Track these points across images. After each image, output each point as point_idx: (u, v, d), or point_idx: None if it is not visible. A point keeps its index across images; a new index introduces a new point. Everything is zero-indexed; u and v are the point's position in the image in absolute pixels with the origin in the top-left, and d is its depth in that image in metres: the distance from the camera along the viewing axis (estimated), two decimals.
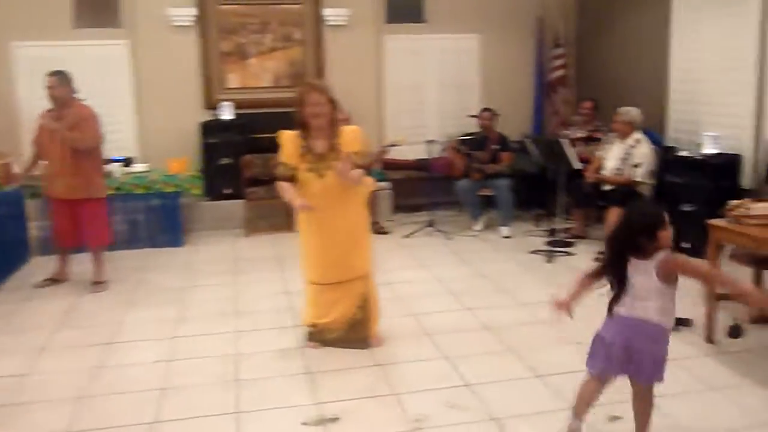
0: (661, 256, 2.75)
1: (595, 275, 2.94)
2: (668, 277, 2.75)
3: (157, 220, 6.77)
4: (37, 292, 5.43)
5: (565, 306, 2.92)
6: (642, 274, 2.76)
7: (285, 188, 3.88)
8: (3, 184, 5.91)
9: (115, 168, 6.79)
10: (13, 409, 3.48)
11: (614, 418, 3.21)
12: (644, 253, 2.76)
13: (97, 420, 3.32)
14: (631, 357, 2.79)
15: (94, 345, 4.29)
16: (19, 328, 4.67)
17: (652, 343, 2.81)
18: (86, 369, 3.92)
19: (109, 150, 7.40)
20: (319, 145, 3.93)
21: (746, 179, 5.88)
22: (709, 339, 4.09)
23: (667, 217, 2.79)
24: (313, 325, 4.17)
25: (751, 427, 3.15)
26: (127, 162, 7.07)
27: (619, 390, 2.99)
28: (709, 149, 5.87)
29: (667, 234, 2.75)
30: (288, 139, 3.94)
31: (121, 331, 4.54)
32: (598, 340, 2.90)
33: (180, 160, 7.06)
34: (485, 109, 7.31)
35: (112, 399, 3.56)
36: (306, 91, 3.89)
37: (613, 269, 2.83)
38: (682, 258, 2.91)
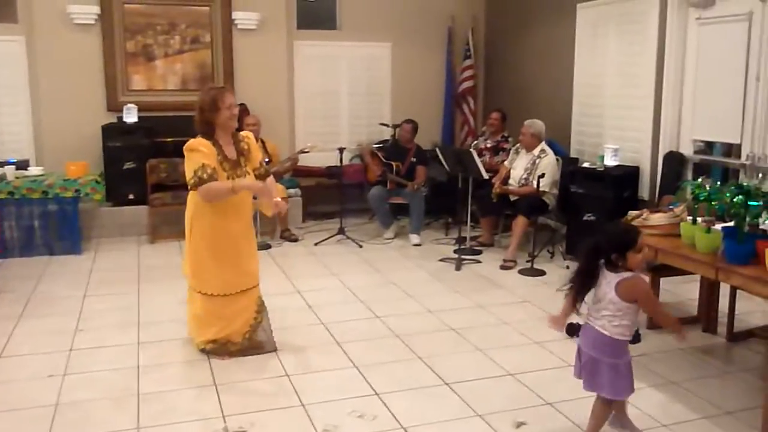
0: (627, 275, 2.88)
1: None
2: (625, 296, 2.88)
3: (54, 226, 6.43)
4: None
5: (559, 323, 3.09)
6: (606, 284, 2.91)
7: (210, 185, 3.67)
8: None
9: (9, 171, 6.42)
10: None
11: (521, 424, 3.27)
12: (614, 267, 2.91)
13: None
14: (595, 368, 2.95)
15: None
16: None
17: (608, 355, 2.94)
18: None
19: (4, 152, 7.05)
20: (229, 150, 3.85)
21: (644, 190, 6.16)
22: None
23: (641, 240, 2.92)
24: (213, 341, 4.02)
25: (648, 430, 3.26)
26: (21, 165, 6.71)
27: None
28: (609, 161, 6.11)
29: (637, 257, 2.88)
30: (204, 144, 3.76)
31: (11, 344, 4.27)
32: (578, 349, 3.08)
33: (80, 163, 6.74)
34: (408, 121, 7.27)
35: (1, 417, 3.34)
36: (221, 93, 3.78)
37: (584, 276, 2.96)
38: (645, 286, 3.01)
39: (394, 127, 7.57)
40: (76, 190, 6.44)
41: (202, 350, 4.05)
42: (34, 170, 6.70)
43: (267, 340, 4.13)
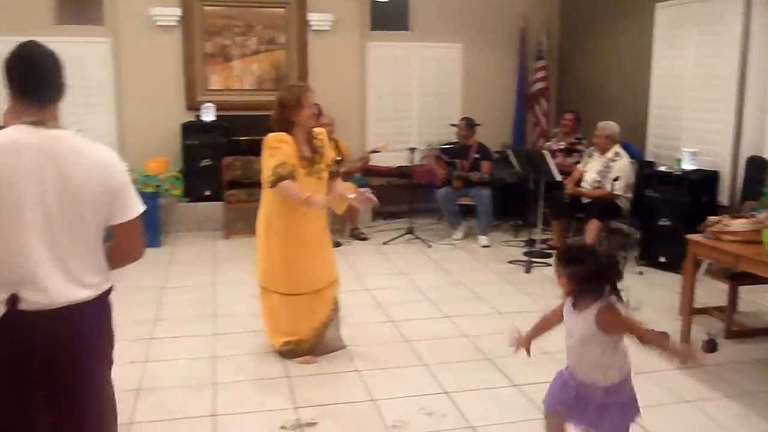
0: (601, 304, 2.54)
1: (557, 315, 2.78)
2: (608, 327, 2.54)
3: None
4: None
5: (525, 343, 2.81)
6: (581, 322, 2.57)
7: (289, 186, 3.67)
8: None
9: None
10: None
11: None
12: (589, 298, 2.57)
13: None
14: (602, 416, 2.61)
15: None
16: None
17: (613, 399, 2.62)
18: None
19: None
20: (305, 148, 3.91)
21: (724, 195, 5.98)
22: None
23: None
24: (287, 343, 4.02)
25: None
26: None
27: None
28: (687, 165, 5.95)
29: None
30: (283, 139, 3.75)
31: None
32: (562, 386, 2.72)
33: (160, 160, 7.01)
34: (463, 119, 7.35)
35: None
36: (304, 92, 3.82)
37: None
38: (618, 311, 2.58)
39: (455, 126, 7.59)
40: (157, 186, 6.70)
41: (278, 351, 4.06)
42: None
43: (336, 337, 4.17)
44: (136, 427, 3.25)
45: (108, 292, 2.12)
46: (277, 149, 3.73)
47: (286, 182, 3.67)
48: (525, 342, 2.80)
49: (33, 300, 1.91)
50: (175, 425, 3.28)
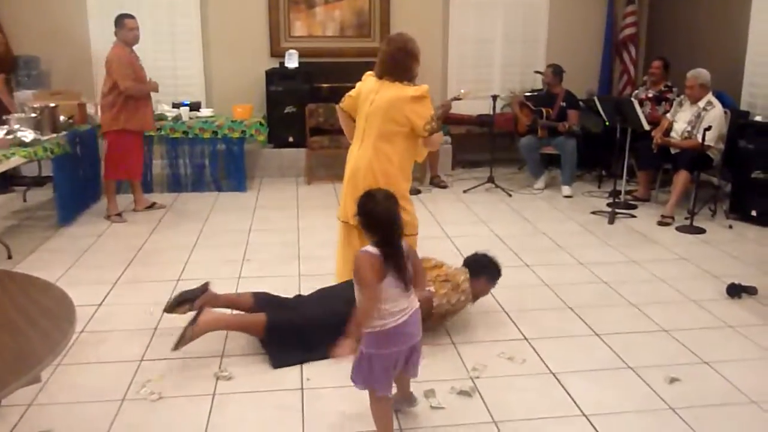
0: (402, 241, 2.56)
1: None
2: (410, 260, 2.56)
3: (222, 164, 6.93)
4: (110, 228, 5.67)
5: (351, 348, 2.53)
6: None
7: (437, 136, 3.75)
8: (78, 124, 6.12)
9: (183, 112, 6.94)
10: (91, 337, 3.68)
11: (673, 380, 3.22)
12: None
13: (169, 351, 3.47)
14: (409, 359, 2.63)
15: (164, 281, 4.47)
16: (92, 262, 4.89)
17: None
18: (156, 303, 4.10)
19: (179, 94, 7.61)
20: None
21: None
22: None
23: None
24: None
25: None
26: (194, 106, 7.21)
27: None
28: None
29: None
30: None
31: (188, 269, 4.71)
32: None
33: (245, 106, 7.16)
34: (550, 65, 7.17)
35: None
36: (418, 49, 3.79)
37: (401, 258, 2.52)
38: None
39: (541, 73, 7.42)
40: (242, 131, 6.87)
41: None
42: (205, 112, 7.19)
43: None
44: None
45: None
46: (429, 99, 3.74)
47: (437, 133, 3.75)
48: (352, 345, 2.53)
49: None
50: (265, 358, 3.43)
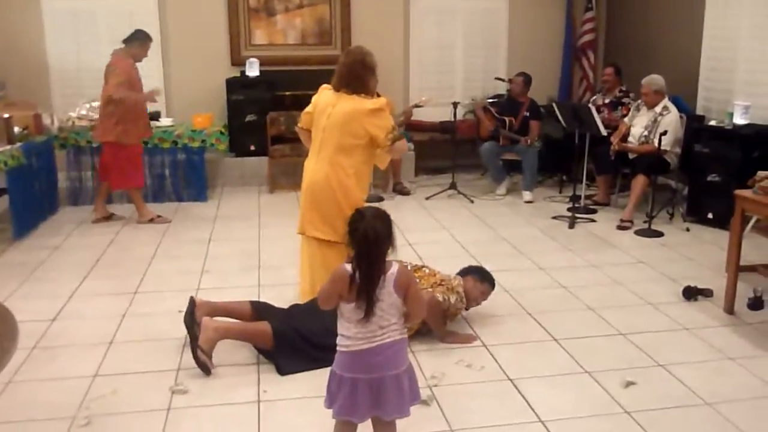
0: (395, 267, 2.39)
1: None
2: (403, 289, 2.39)
3: (182, 174, 6.86)
4: (66, 240, 5.57)
5: None
6: (385, 288, 2.37)
7: (400, 144, 3.81)
8: (33, 135, 6.00)
9: None
10: (44, 352, 3.60)
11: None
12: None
13: (124, 365, 3.42)
14: (378, 394, 2.40)
15: (121, 294, 4.39)
16: (47, 275, 4.79)
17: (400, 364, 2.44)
18: (113, 317, 4.03)
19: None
20: None
21: None
22: (729, 310, 4.09)
23: None
24: None
25: (765, 397, 3.16)
26: (153, 116, 7.12)
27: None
28: (739, 119, 5.78)
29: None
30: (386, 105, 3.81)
31: (146, 282, 4.64)
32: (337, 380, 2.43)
33: (206, 115, 7.09)
34: (520, 74, 7.17)
35: (139, 345, 3.66)
36: (373, 58, 3.83)
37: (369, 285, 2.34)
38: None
39: (510, 81, 7.46)
40: (203, 141, 6.81)
41: None
42: (165, 121, 7.11)
43: None
44: (187, 371, 3.37)
45: None
46: (387, 111, 3.75)
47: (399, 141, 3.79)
48: None
49: None
50: (225, 371, 3.38)
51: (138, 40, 5.83)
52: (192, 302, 3.54)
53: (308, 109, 3.94)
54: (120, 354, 3.57)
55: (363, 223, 2.34)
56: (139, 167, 6.15)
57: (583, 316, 4.08)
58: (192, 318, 3.44)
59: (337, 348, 2.44)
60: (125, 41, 5.83)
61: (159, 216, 6.15)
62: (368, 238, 2.31)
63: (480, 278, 3.95)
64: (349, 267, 2.35)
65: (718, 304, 4.18)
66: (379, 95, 3.91)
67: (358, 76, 3.77)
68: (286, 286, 4.49)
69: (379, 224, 2.35)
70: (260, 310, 3.61)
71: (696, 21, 6.74)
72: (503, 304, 4.23)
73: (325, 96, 3.87)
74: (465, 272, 3.97)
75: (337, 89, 3.81)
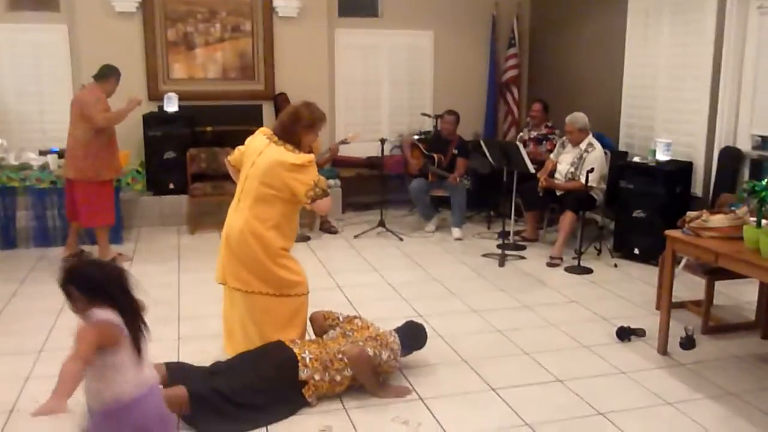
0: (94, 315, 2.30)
1: None
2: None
3: None
4: None
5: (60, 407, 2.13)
6: None
7: (327, 200, 3.65)
8: None
9: (51, 160, 6.44)
10: None
11: None
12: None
13: None
14: None
15: (25, 353, 4.01)
16: None
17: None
18: (14, 379, 3.66)
19: (47, 140, 7.07)
20: None
21: (698, 187, 5.93)
22: (663, 351, 4.05)
23: None
24: (300, 338, 3.85)
25: None
26: (63, 154, 6.70)
27: None
28: (661, 156, 5.87)
29: None
30: (312, 160, 3.65)
31: (53, 338, 4.26)
32: None
33: (121, 153, 6.70)
34: (450, 112, 7.05)
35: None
36: (321, 120, 3.73)
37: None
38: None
39: (436, 117, 7.41)
40: (117, 180, 6.42)
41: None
42: None
43: None
44: None
45: None
46: (312, 167, 3.59)
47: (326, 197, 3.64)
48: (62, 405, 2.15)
49: None
50: None
51: (109, 78, 5.69)
52: None
53: (241, 147, 3.81)
54: (22, 424, 3.22)
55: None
56: (112, 203, 5.94)
57: (520, 362, 3.96)
58: None
59: None
60: (97, 77, 5.66)
61: (120, 254, 5.92)
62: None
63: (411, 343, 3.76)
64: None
65: (652, 345, 4.14)
66: (311, 151, 3.78)
67: (286, 126, 3.68)
68: (208, 339, 4.21)
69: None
70: (175, 373, 3.33)
71: (617, 58, 6.88)
72: (438, 351, 4.07)
73: (256, 141, 3.74)
74: (402, 329, 3.77)
75: (271, 136, 3.69)
